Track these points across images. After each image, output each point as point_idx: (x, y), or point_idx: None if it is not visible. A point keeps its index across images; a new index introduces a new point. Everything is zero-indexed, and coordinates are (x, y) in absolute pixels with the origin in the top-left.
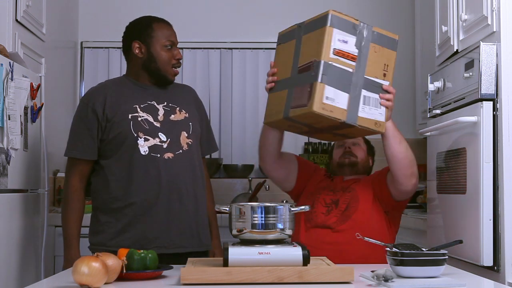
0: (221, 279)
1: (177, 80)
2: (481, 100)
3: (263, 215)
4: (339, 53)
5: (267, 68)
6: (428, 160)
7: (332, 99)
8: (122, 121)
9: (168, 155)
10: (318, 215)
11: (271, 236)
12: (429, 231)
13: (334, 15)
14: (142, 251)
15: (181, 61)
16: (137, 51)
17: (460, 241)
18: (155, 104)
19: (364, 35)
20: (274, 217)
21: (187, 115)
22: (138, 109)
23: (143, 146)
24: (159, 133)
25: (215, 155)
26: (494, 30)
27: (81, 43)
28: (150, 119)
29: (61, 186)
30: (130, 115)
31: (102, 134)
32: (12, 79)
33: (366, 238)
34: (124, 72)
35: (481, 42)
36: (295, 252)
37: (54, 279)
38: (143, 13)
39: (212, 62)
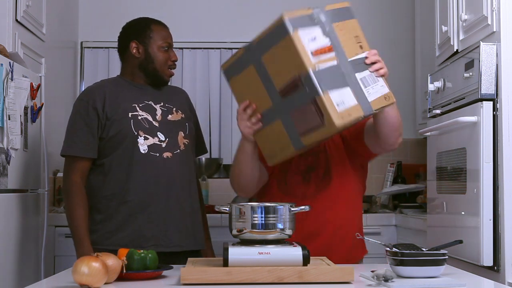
0: (221, 279)
1: (177, 80)
2: (481, 100)
3: (263, 215)
4: (317, 52)
5: None
6: (428, 160)
7: (341, 102)
8: (123, 119)
9: (167, 154)
10: (294, 187)
11: (271, 236)
12: (429, 231)
13: (290, 18)
14: (142, 251)
15: (176, 62)
16: (134, 51)
17: (460, 241)
18: (153, 104)
19: (323, 20)
20: (274, 217)
21: (183, 115)
22: (137, 108)
23: (143, 145)
24: (158, 133)
25: (215, 155)
26: (494, 30)
27: (81, 43)
28: (149, 118)
29: (61, 186)
30: (130, 114)
31: (102, 132)
32: (12, 79)
33: (366, 238)
34: None
35: (481, 42)
36: (295, 252)
37: (54, 279)
38: (143, 13)
39: (212, 62)
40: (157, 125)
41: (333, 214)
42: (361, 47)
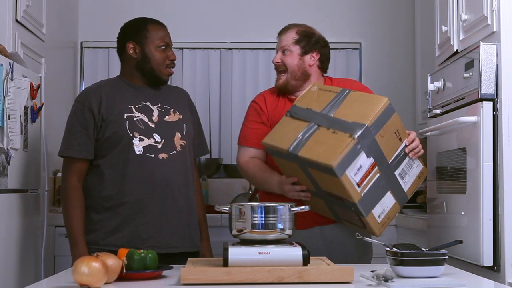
0: (221, 279)
1: (177, 80)
2: (481, 100)
3: (263, 215)
4: (362, 180)
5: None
6: (428, 160)
7: (382, 211)
8: (118, 121)
9: (163, 155)
10: None
11: (271, 236)
12: (429, 231)
13: (337, 167)
14: (142, 251)
15: (175, 62)
16: (131, 51)
17: (460, 241)
18: (150, 105)
19: (368, 139)
20: (274, 217)
21: (181, 116)
22: (133, 109)
23: (138, 146)
24: (154, 134)
25: (215, 155)
26: (494, 30)
27: (81, 43)
28: (145, 119)
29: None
30: (125, 115)
31: (98, 133)
32: (12, 79)
33: (366, 238)
34: None
35: (481, 42)
36: (295, 252)
37: (54, 279)
38: (143, 13)
39: (212, 62)
40: (153, 126)
41: None
42: (400, 139)
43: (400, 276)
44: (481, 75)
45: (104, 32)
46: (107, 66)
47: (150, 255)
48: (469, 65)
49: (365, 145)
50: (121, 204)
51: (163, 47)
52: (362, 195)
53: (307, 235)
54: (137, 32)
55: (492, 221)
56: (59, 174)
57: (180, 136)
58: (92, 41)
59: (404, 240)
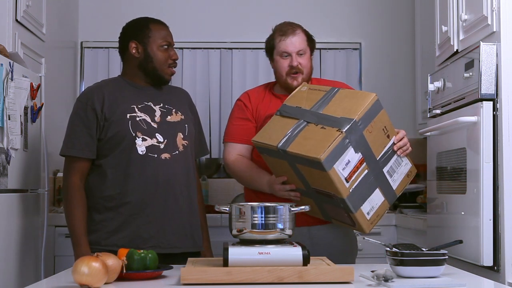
0: (221, 279)
1: (177, 80)
2: (481, 100)
3: (263, 215)
4: (351, 175)
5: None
6: (428, 160)
7: (371, 208)
8: (121, 121)
9: (165, 155)
10: None
11: (271, 236)
12: (429, 231)
13: (325, 160)
14: (142, 251)
15: (177, 61)
16: (133, 51)
17: (460, 241)
18: (152, 105)
19: (356, 134)
20: (274, 217)
21: (182, 117)
22: (136, 109)
23: (141, 146)
24: (156, 134)
25: (215, 155)
26: (494, 30)
27: (81, 43)
28: (148, 119)
29: (61, 186)
30: (128, 115)
31: (100, 133)
32: (12, 79)
33: (366, 238)
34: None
35: (481, 42)
36: (295, 252)
37: (54, 279)
38: (143, 13)
39: (212, 62)
40: (155, 126)
41: None
42: (388, 136)
43: (400, 276)
44: (481, 75)
45: (104, 32)
46: (107, 66)
47: (150, 255)
48: (469, 65)
49: (353, 139)
50: (124, 204)
51: (165, 46)
52: (350, 190)
53: (294, 234)
54: (139, 32)
55: (492, 221)
56: (59, 174)
57: (182, 136)
58: (92, 41)
59: (404, 240)
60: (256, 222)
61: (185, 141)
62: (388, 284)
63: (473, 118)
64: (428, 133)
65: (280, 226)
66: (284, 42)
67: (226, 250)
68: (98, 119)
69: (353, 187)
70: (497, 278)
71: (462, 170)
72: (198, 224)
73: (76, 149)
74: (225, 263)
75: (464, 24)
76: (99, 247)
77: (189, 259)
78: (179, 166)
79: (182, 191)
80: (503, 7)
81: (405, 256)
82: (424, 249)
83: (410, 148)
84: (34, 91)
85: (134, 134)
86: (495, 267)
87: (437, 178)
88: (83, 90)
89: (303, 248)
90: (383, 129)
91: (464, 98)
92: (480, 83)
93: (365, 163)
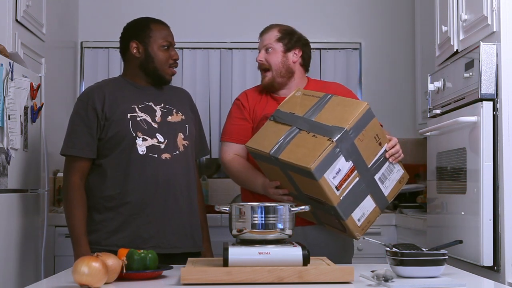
0: (221, 279)
1: (177, 80)
2: (481, 100)
3: (263, 215)
4: (341, 183)
5: None
6: (428, 160)
7: (362, 215)
8: (121, 120)
9: (166, 155)
10: None
11: (271, 236)
12: (429, 231)
13: (315, 169)
14: (142, 251)
15: (177, 61)
16: (134, 51)
17: (460, 241)
18: (153, 105)
19: (347, 142)
20: (274, 217)
21: (183, 117)
22: (137, 109)
23: (141, 146)
24: (157, 134)
25: (215, 155)
26: (494, 30)
27: (81, 43)
28: (148, 119)
29: (61, 186)
30: (129, 115)
31: (101, 132)
32: (12, 79)
33: (366, 238)
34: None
35: (481, 42)
36: (295, 252)
37: (54, 279)
38: (143, 13)
39: (212, 62)
40: (156, 126)
41: None
42: (380, 144)
43: (400, 276)
44: (481, 75)
45: (104, 32)
46: (107, 66)
47: (150, 255)
48: (469, 65)
49: (343, 148)
50: (124, 204)
51: (166, 46)
52: (341, 198)
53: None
54: (140, 32)
55: (492, 221)
56: (59, 174)
57: (182, 136)
58: (92, 41)
59: (404, 240)
60: (256, 222)
61: (186, 141)
62: (388, 284)
63: (473, 118)
64: (428, 133)
65: (280, 226)
66: (259, 40)
67: (226, 250)
68: (99, 118)
69: (344, 195)
70: (497, 278)
71: (462, 170)
72: (198, 224)
73: (76, 148)
74: (225, 263)
75: (464, 24)
76: (99, 247)
77: (189, 259)
78: (179, 166)
79: (182, 191)
80: (503, 7)
81: (405, 256)
82: (424, 249)
83: (402, 155)
84: (34, 91)
85: (134, 134)
86: (495, 267)
87: (437, 178)
88: (84, 89)
89: (303, 248)
90: (374, 137)
91: (464, 98)
92: (480, 83)
93: (356, 171)
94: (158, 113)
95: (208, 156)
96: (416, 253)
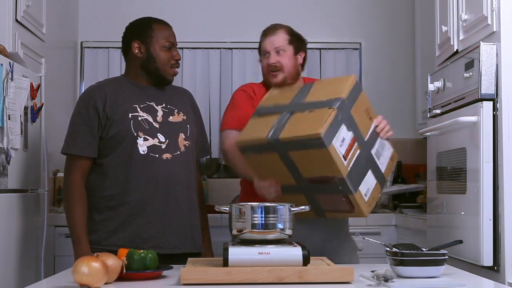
0: (221, 279)
1: (177, 80)
2: (481, 100)
3: (263, 215)
4: (347, 153)
5: None
6: (428, 160)
7: (367, 190)
8: (122, 120)
9: (167, 155)
10: None
11: (271, 236)
12: (429, 231)
13: (325, 135)
14: (142, 251)
15: (179, 61)
16: (136, 51)
17: (460, 241)
18: (154, 105)
19: (346, 112)
20: (274, 217)
21: (185, 117)
22: (138, 109)
23: (142, 146)
24: (158, 134)
25: (215, 155)
26: (494, 30)
27: (81, 43)
28: (150, 119)
29: (61, 186)
30: (130, 114)
31: (102, 132)
32: (12, 79)
33: (366, 238)
34: (124, 72)
35: (481, 42)
36: (295, 252)
37: (54, 279)
38: (143, 13)
39: (212, 62)
40: (157, 126)
41: None
42: (370, 118)
43: (400, 276)
44: (481, 75)
45: (104, 32)
46: (107, 66)
47: (150, 255)
48: (469, 65)
49: (344, 117)
50: (123, 204)
51: (168, 47)
52: (348, 169)
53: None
54: (142, 32)
55: (492, 221)
56: (59, 174)
57: (184, 136)
58: (92, 41)
59: (404, 240)
60: (256, 222)
61: (187, 142)
62: (388, 284)
63: (473, 118)
64: (428, 133)
65: (280, 226)
66: (264, 41)
67: (226, 250)
68: (100, 118)
69: (350, 165)
70: (497, 278)
71: (462, 170)
72: (198, 224)
73: (77, 147)
74: (225, 263)
75: (464, 24)
76: (99, 247)
77: (189, 259)
78: (180, 166)
79: (183, 192)
80: (503, 7)
81: (405, 256)
82: (424, 249)
83: (391, 131)
84: (34, 91)
85: (135, 134)
86: (495, 267)
87: (437, 178)
88: (85, 89)
89: (303, 248)
90: (365, 111)
91: (464, 98)
92: (480, 83)
93: (357, 143)
94: (160, 113)
95: (208, 156)
96: (416, 253)
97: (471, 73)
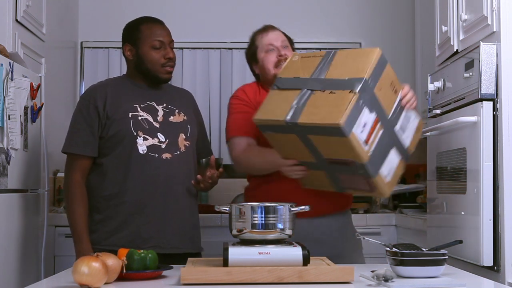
0: (221, 279)
1: (177, 80)
2: (481, 100)
3: (263, 215)
4: (368, 137)
5: None
6: (428, 160)
7: (389, 170)
8: (122, 119)
9: (166, 155)
10: None
11: (271, 236)
12: (429, 231)
13: (345, 125)
14: (142, 251)
15: (173, 59)
16: (128, 53)
17: (460, 241)
18: (155, 105)
19: (368, 93)
20: (274, 217)
21: (185, 117)
22: (138, 109)
23: (142, 145)
24: (158, 134)
25: (215, 155)
26: (494, 30)
27: (81, 43)
28: (150, 119)
29: (61, 186)
30: (130, 114)
31: (102, 131)
32: (12, 79)
33: (367, 238)
34: (124, 71)
35: (481, 42)
36: (295, 252)
37: (54, 279)
38: (143, 13)
39: (212, 62)
40: (157, 126)
41: None
42: (395, 91)
43: (400, 276)
44: (481, 75)
45: (104, 32)
46: (107, 66)
47: (150, 255)
48: (469, 65)
49: (366, 99)
50: (122, 203)
51: (157, 46)
52: (369, 154)
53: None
54: (131, 34)
55: (492, 221)
56: (59, 174)
57: (184, 137)
58: (92, 41)
59: (404, 240)
60: (256, 222)
61: (187, 142)
62: (388, 284)
63: (473, 118)
64: (428, 133)
65: (280, 226)
66: (267, 37)
67: (226, 250)
68: (100, 117)
69: (372, 149)
70: (497, 278)
71: (462, 170)
72: (198, 225)
73: (77, 146)
74: (225, 263)
75: (464, 24)
76: (99, 247)
77: (189, 259)
78: (180, 166)
79: (183, 192)
80: (503, 7)
81: (405, 256)
82: (424, 249)
83: (414, 99)
84: (34, 91)
85: (135, 133)
86: (495, 267)
87: (437, 178)
88: (86, 88)
89: (303, 248)
90: (390, 85)
91: (464, 98)
92: (480, 83)
93: (380, 123)
94: (160, 113)
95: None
96: (416, 253)
97: (471, 73)
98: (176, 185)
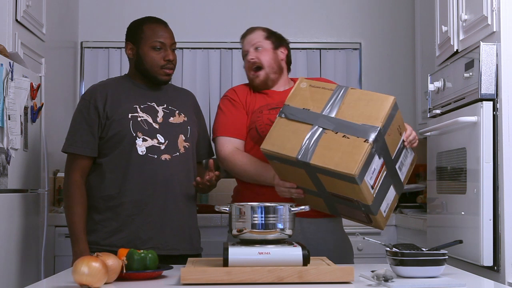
0: (221, 279)
1: (177, 80)
2: (481, 100)
3: (263, 215)
4: (375, 182)
5: None
6: (428, 160)
7: (387, 205)
8: (122, 120)
9: (166, 156)
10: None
11: (271, 236)
12: (429, 231)
13: (359, 175)
14: (142, 251)
15: (173, 62)
16: (129, 52)
17: (460, 241)
18: (155, 105)
19: (380, 141)
20: (274, 217)
21: (185, 118)
22: (138, 109)
23: (141, 146)
24: (158, 135)
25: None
26: (494, 30)
27: (81, 43)
28: (150, 120)
29: (61, 186)
30: (130, 115)
31: (102, 131)
32: (12, 79)
33: (367, 238)
34: (124, 71)
35: (481, 42)
36: (295, 252)
37: (54, 279)
38: (143, 13)
39: (212, 62)
40: (157, 127)
41: None
42: (400, 133)
43: (400, 276)
44: (481, 75)
45: (104, 32)
46: (107, 66)
47: (150, 255)
48: (469, 65)
49: (378, 147)
50: (121, 204)
51: (158, 48)
52: (374, 196)
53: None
54: (133, 33)
55: (492, 221)
56: (59, 174)
57: (184, 138)
58: (92, 41)
59: (404, 240)
60: (256, 222)
61: (187, 143)
62: (388, 284)
63: (473, 118)
64: (428, 133)
65: (280, 226)
66: (244, 42)
67: (226, 250)
68: (100, 117)
69: (376, 191)
70: (497, 278)
71: (462, 170)
72: (197, 226)
73: (77, 146)
74: (225, 263)
75: (464, 24)
76: (98, 247)
77: (189, 259)
78: (179, 167)
79: (182, 193)
80: (503, 7)
81: (405, 256)
82: (424, 249)
83: (416, 139)
84: (34, 91)
85: (134, 134)
86: (495, 267)
87: (437, 178)
88: (86, 88)
89: (303, 248)
90: (397, 128)
91: (464, 98)
92: (480, 83)
93: (385, 166)
94: (160, 114)
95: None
96: (416, 253)
97: (471, 73)
98: (175, 186)
